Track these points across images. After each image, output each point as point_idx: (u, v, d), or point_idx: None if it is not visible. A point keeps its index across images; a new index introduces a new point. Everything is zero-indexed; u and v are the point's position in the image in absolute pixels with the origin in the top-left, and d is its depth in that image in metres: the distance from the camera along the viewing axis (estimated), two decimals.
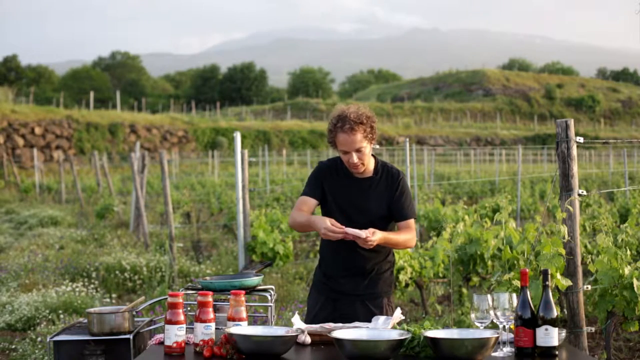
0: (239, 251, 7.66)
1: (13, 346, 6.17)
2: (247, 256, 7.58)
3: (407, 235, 3.80)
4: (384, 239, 3.68)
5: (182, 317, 3.02)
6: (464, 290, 6.81)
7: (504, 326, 2.91)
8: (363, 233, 3.52)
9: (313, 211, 3.89)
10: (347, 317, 3.69)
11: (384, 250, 3.88)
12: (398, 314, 3.27)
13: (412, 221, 3.85)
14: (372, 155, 3.86)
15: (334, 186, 3.86)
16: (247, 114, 64.08)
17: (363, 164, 3.76)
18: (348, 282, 3.84)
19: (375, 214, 3.80)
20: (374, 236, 3.56)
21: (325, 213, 3.90)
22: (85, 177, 32.34)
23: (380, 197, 3.81)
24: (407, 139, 9.54)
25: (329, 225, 3.55)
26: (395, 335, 2.86)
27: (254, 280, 3.60)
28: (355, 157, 3.71)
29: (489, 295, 2.95)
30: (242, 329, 3.01)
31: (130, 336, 3.64)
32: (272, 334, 2.98)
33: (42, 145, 38.11)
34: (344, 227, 3.56)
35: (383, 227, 3.80)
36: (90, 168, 34.08)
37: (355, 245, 3.74)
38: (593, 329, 3.77)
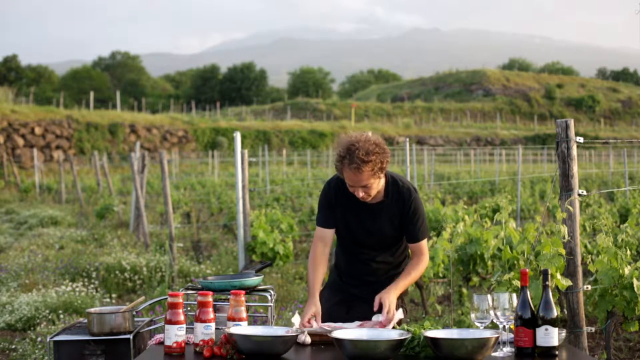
0: (239, 251, 7.65)
1: (13, 346, 6.17)
2: (247, 256, 7.57)
3: (417, 266, 3.72)
4: (399, 290, 3.60)
5: (182, 317, 3.02)
6: (464, 290, 6.80)
7: (504, 326, 2.91)
8: (385, 318, 3.38)
9: (332, 239, 3.83)
10: (360, 320, 3.66)
11: (397, 260, 3.87)
12: (399, 314, 3.28)
13: (423, 242, 3.76)
14: None
15: (344, 209, 3.76)
16: (247, 114, 64.04)
17: (370, 195, 3.60)
18: (363, 289, 3.83)
19: (386, 236, 3.77)
20: (389, 302, 3.44)
21: (336, 234, 3.86)
22: (85, 177, 32.31)
23: (391, 220, 3.73)
24: (407, 139, 9.53)
25: (304, 321, 3.43)
26: (395, 335, 2.86)
27: (254, 280, 3.60)
28: (361, 192, 3.56)
29: (489, 295, 2.95)
30: (242, 329, 3.01)
31: (130, 336, 3.64)
32: (272, 334, 2.98)
33: (42, 145, 38.09)
34: (312, 326, 3.41)
35: (393, 244, 3.80)
36: (90, 168, 34.07)
37: (370, 260, 3.78)
38: (593, 329, 3.76)
